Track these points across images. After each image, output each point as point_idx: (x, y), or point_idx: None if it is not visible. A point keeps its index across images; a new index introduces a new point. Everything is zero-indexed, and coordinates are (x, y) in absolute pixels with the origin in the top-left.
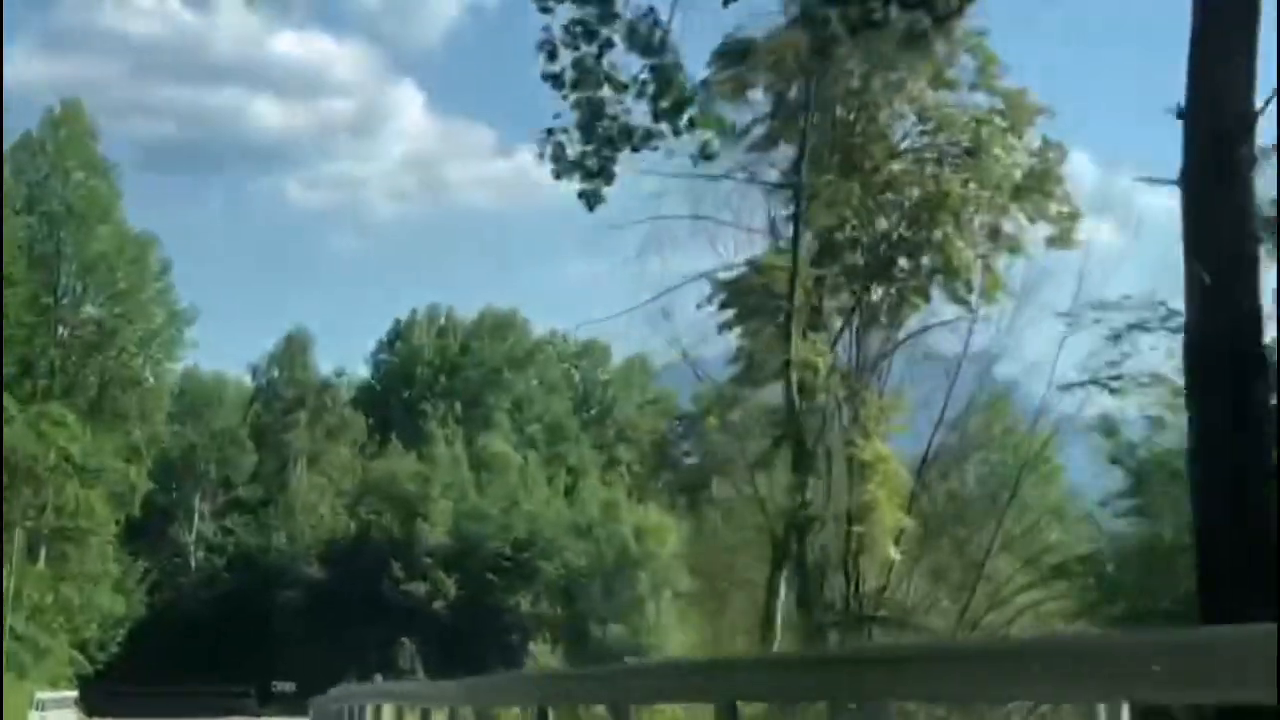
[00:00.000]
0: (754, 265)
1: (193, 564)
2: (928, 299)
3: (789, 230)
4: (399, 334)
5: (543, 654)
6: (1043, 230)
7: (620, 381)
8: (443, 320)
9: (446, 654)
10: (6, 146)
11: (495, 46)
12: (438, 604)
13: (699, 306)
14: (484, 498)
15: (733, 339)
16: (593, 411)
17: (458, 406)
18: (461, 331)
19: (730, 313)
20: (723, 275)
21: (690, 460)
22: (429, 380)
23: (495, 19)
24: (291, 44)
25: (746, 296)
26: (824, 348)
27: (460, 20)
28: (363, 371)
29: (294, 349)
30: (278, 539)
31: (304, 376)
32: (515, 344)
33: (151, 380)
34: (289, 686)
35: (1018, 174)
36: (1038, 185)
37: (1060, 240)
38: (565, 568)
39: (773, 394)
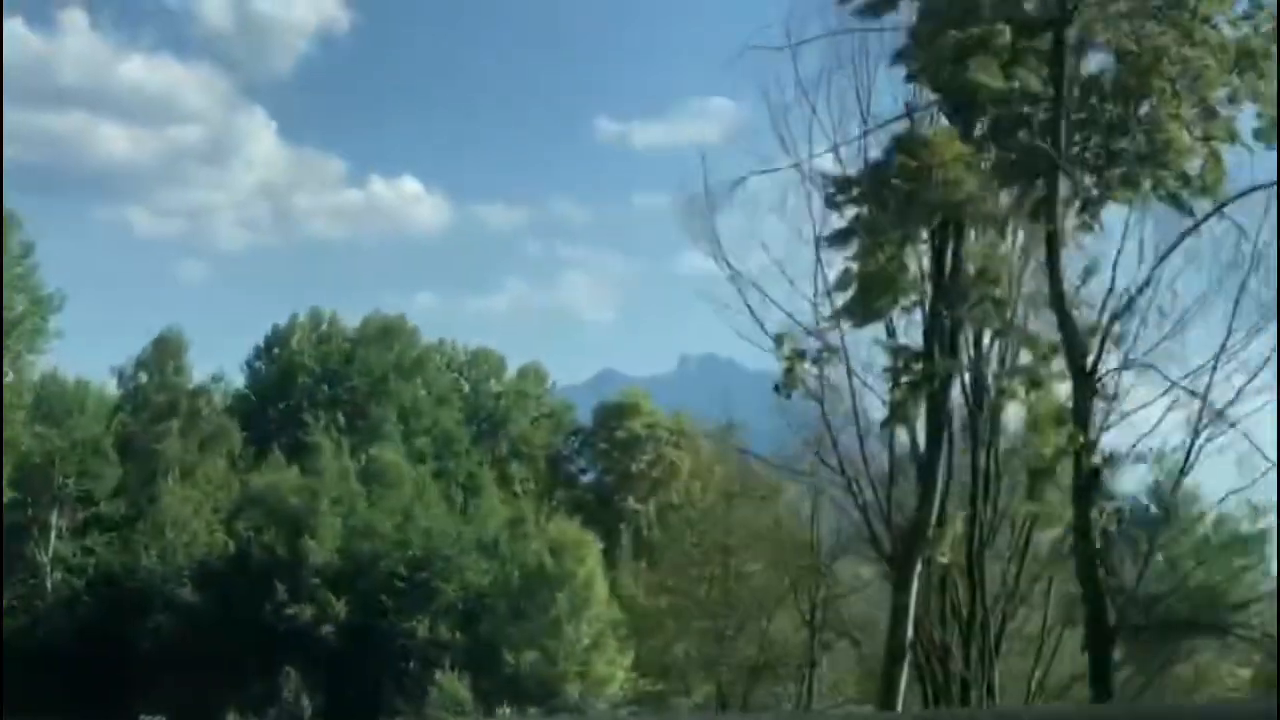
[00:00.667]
0: (904, 142)
1: (49, 586)
2: (1136, 189)
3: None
4: (277, 340)
5: (450, 684)
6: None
7: (513, 393)
8: (325, 326)
9: (336, 684)
10: None
11: (347, 78)
12: (326, 629)
13: (829, 202)
14: (376, 512)
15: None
16: (483, 425)
17: (341, 417)
18: (345, 338)
19: (846, 217)
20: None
21: (588, 477)
22: (310, 389)
23: (347, 50)
24: (139, 69)
25: (881, 191)
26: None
27: (311, 51)
28: (238, 381)
29: (165, 352)
30: (146, 559)
31: (176, 381)
32: (402, 352)
33: (10, 375)
34: None
35: (1231, 38)
36: (1263, 54)
37: (1269, 133)
38: (465, 589)
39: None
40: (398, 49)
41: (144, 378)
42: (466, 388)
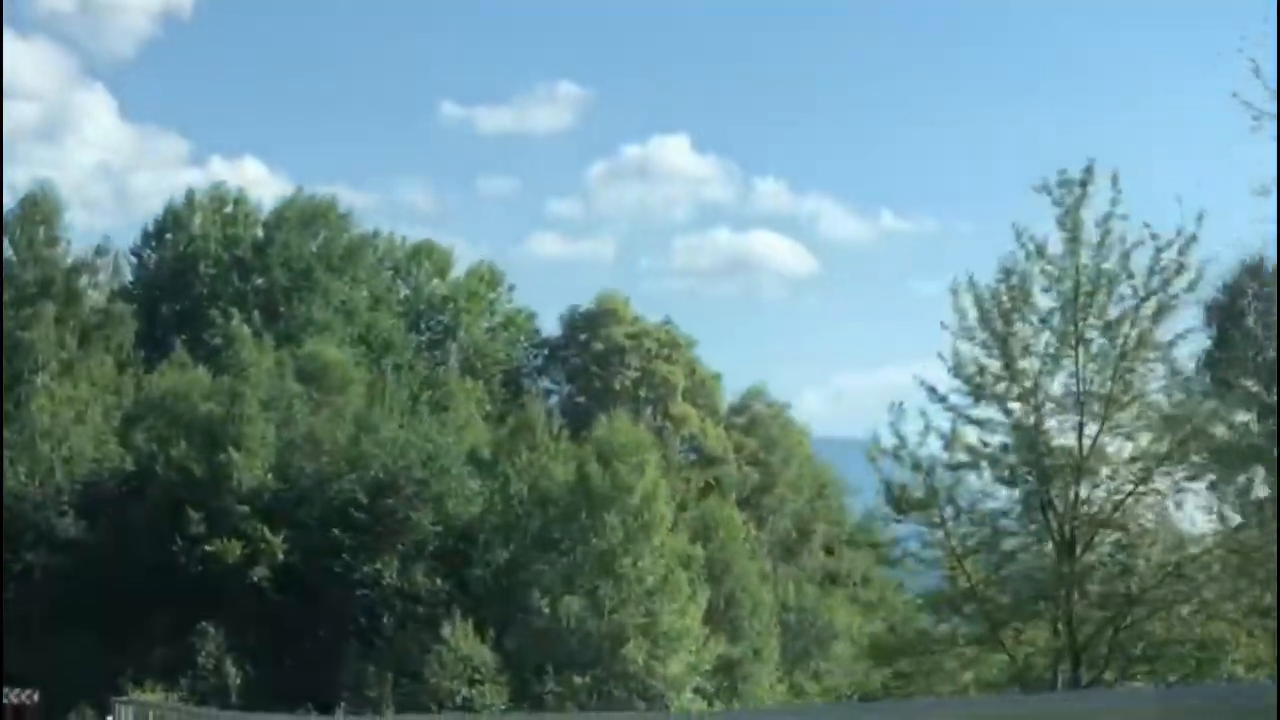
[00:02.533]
0: None
1: None
2: None
3: None
4: (172, 224)
5: (463, 640)
6: None
7: (463, 296)
8: (231, 206)
9: (273, 645)
10: None
11: (190, 57)
12: (258, 572)
13: None
14: (321, 421)
15: None
16: (425, 334)
17: (256, 315)
18: (258, 222)
19: None
20: None
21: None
22: (213, 283)
23: (189, 30)
24: None
25: None
26: None
27: (154, 30)
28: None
29: (38, 216)
30: (13, 478)
31: (51, 255)
32: (329, 241)
33: None
34: (30, 696)
35: None
36: None
37: None
38: (445, 519)
39: None
40: (242, 30)
41: (7, 249)
42: (404, 291)
